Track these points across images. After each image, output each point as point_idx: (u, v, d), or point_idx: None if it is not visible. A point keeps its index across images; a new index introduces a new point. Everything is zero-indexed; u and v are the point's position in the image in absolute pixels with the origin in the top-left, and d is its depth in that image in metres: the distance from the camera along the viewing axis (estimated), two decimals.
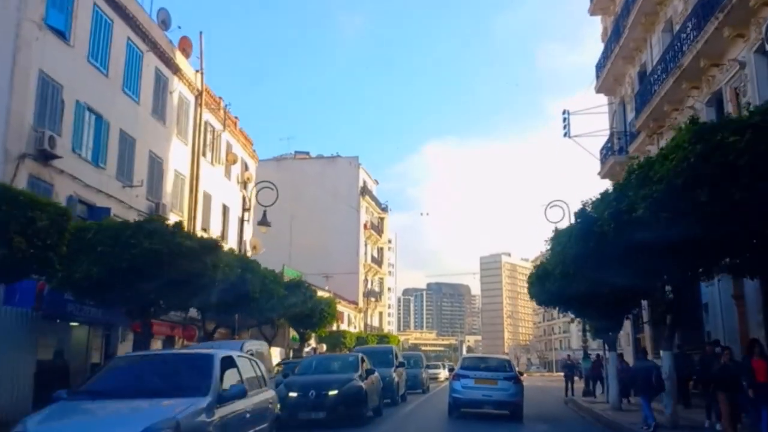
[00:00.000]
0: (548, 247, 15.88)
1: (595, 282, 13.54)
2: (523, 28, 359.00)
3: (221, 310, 20.49)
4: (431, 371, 44.34)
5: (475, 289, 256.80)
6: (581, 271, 13.27)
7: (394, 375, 20.68)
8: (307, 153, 69.23)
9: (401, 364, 22.76)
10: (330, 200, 65.85)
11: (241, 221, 34.44)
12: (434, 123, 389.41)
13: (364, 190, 66.67)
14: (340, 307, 58.69)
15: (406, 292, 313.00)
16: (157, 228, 13.98)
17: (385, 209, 73.61)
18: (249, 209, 36.10)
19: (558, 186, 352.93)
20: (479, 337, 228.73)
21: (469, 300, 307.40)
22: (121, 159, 22.26)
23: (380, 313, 71.92)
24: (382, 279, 72.74)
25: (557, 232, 14.85)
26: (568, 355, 31.69)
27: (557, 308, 21.50)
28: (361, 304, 64.29)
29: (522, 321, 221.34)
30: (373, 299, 67.61)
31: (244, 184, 35.68)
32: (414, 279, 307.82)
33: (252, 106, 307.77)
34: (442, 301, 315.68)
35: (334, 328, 54.20)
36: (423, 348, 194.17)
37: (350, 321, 60.78)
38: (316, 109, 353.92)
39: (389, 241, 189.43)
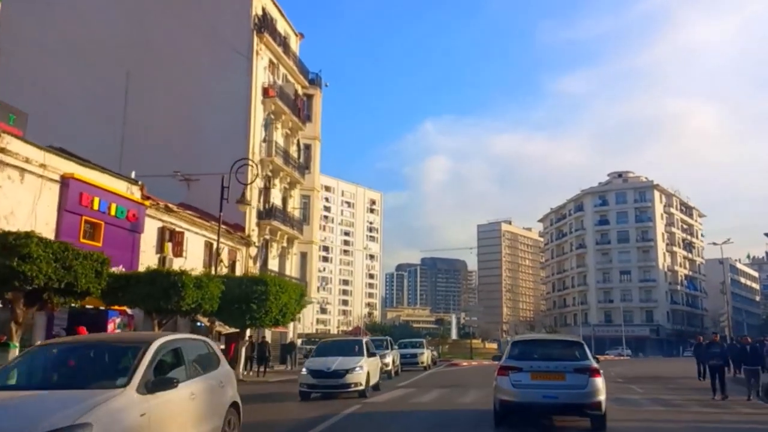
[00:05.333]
0: None
1: None
2: (520, 4, 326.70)
3: None
4: None
5: (472, 264, 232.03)
6: None
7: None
8: None
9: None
10: (198, 43, 34.38)
11: None
12: (430, 101, 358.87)
13: (263, 26, 34.73)
14: (189, 229, 27.36)
15: (399, 267, 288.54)
16: None
17: (315, 81, 41.67)
18: None
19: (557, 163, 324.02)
20: (475, 317, 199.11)
21: (465, 276, 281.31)
22: None
23: (305, 255, 40.20)
24: (308, 197, 40.96)
25: None
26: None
27: None
28: (249, 230, 32.68)
29: (522, 295, 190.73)
30: (284, 225, 35.87)
31: None
32: (410, 257, 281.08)
33: None
34: (437, 277, 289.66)
35: (167, 262, 23.22)
36: (415, 325, 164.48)
37: (217, 258, 29.18)
38: None
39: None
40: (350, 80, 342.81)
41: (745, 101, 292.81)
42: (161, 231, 25.15)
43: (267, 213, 34.29)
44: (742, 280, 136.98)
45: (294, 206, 38.82)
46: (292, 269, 38.52)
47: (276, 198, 36.22)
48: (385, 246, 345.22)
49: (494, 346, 68.90)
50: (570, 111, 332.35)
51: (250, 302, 23.19)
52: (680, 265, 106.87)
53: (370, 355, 16.26)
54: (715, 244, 59.13)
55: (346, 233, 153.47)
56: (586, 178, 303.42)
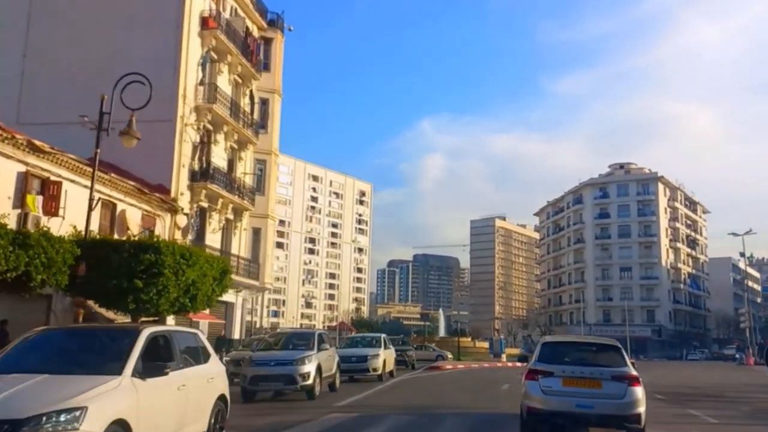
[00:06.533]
0: None
1: None
2: (521, 4, 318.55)
3: None
4: None
5: (465, 262, 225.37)
6: None
7: None
8: None
9: None
10: None
11: None
12: (429, 99, 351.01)
13: None
14: (75, 181, 19.91)
15: (391, 263, 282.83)
16: None
17: (275, 23, 34.31)
18: None
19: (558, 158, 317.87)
20: (465, 312, 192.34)
21: (458, 273, 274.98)
22: None
23: (258, 231, 32.77)
24: (264, 161, 33.51)
25: None
26: None
27: None
28: (176, 192, 25.39)
29: (516, 293, 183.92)
30: (229, 192, 28.45)
31: None
32: (404, 254, 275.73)
33: None
34: (429, 274, 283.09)
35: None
36: (406, 323, 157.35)
37: (123, 224, 21.96)
38: (304, 80, 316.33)
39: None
40: (349, 77, 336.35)
41: (744, 104, 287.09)
42: (24, 178, 17.77)
43: (203, 174, 26.92)
44: (745, 280, 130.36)
45: (245, 171, 31.44)
46: (240, 248, 31.17)
47: (219, 158, 28.85)
48: (379, 243, 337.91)
49: (485, 345, 61.57)
50: (568, 112, 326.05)
51: (133, 277, 15.93)
52: (684, 263, 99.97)
53: (145, 369, 6.15)
54: (736, 234, 52.20)
55: (334, 225, 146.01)
56: (584, 180, 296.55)
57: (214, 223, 28.62)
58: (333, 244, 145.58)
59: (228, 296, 30.06)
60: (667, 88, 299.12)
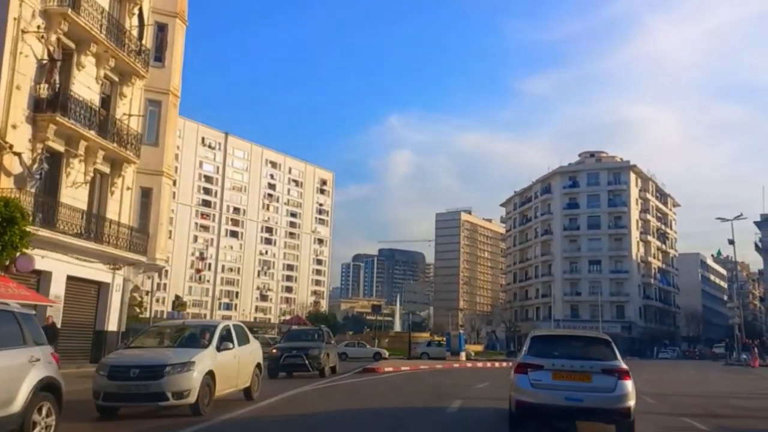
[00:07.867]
0: None
1: None
2: (491, 3, 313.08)
3: None
4: None
5: (430, 257, 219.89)
6: None
7: None
8: None
9: None
10: None
11: None
12: (396, 95, 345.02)
13: None
14: None
15: (356, 258, 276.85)
16: None
17: None
18: None
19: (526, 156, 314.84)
20: (422, 302, 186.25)
21: (423, 269, 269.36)
22: None
23: (148, 192, 25.18)
24: (159, 103, 25.91)
25: None
26: None
27: None
28: (3, 119, 17.79)
29: (480, 289, 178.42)
30: (96, 134, 20.87)
31: None
32: (371, 249, 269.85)
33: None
34: (394, 269, 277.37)
35: None
36: (369, 318, 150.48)
37: None
38: (279, 70, 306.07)
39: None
40: (320, 71, 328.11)
41: (707, 107, 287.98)
42: None
43: (52, 102, 19.37)
44: (712, 277, 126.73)
45: (128, 112, 23.94)
46: (122, 212, 23.69)
47: (84, 87, 21.34)
48: (345, 237, 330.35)
49: (443, 340, 54.74)
50: (536, 111, 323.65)
51: None
52: (654, 257, 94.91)
53: None
54: (724, 219, 46.51)
55: (293, 214, 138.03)
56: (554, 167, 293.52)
57: (75, 174, 21.11)
58: (291, 234, 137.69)
59: (101, 275, 22.65)
60: (632, 90, 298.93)
